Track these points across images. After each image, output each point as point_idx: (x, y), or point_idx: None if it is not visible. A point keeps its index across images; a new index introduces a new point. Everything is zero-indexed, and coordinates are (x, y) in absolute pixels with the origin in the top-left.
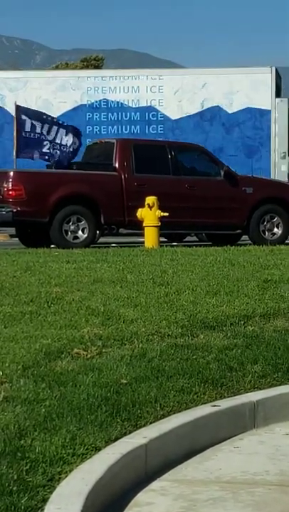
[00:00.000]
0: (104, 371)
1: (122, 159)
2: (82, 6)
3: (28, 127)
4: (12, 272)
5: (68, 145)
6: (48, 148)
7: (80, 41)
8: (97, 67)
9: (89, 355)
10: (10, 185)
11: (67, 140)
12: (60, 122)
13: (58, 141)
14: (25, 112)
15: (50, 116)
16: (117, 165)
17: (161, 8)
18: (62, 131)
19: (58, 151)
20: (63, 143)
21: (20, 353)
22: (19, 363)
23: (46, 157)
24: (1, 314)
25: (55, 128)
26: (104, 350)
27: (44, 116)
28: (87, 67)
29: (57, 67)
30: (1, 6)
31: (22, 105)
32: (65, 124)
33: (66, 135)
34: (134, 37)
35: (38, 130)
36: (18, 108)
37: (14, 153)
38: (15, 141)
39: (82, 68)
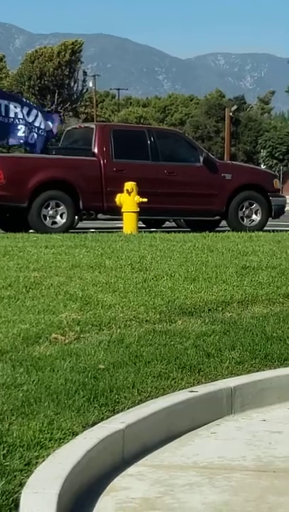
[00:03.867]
0: (82, 356)
1: (101, 144)
2: None
3: (3, 111)
4: None
5: (45, 129)
6: (24, 132)
7: (59, 25)
8: (75, 51)
9: (67, 341)
10: None
11: (45, 125)
12: (38, 107)
13: (36, 124)
14: (2, 95)
15: (28, 100)
16: (96, 150)
17: None
18: (40, 114)
19: (36, 134)
20: (41, 127)
21: None
22: None
23: (21, 141)
24: None
25: (34, 111)
26: (82, 336)
27: (25, 101)
28: (65, 51)
29: (36, 52)
30: None
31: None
32: (45, 110)
33: (45, 120)
34: (115, 22)
35: (14, 113)
36: None
37: None
38: None
39: (59, 52)
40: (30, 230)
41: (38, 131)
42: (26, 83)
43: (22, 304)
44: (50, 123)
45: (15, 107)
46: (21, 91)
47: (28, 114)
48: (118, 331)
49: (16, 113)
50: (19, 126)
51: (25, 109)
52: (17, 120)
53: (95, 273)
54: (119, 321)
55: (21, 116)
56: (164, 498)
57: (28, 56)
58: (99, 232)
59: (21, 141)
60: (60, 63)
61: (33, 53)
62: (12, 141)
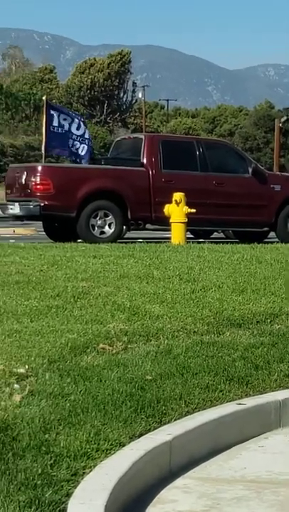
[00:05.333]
0: (130, 367)
1: (150, 155)
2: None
3: (56, 122)
4: (39, 266)
5: (90, 139)
6: (73, 144)
7: (108, 37)
8: (124, 62)
9: (114, 351)
10: (38, 180)
11: (89, 135)
12: (84, 120)
13: (86, 136)
14: (54, 107)
15: (77, 113)
16: (144, 160)
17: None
18: (85, 126)
19: (86, 146)
20: (89, 137)
21: (46, 347)
22: (45, 357)
23: (70, 151)
24: (27, 308)
25: (82, 124)
26: (129, 346)
27: (72, 113)
28: (115, 62)
29: (85, 63)
30: (31, 2)
31: (52, 101)
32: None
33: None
34: (163, 33)
35: (66, 126)
36: (47, 103)
37: (43, 148)
38: (44, 137)
39: (109, 63)
40: (79, 240)
41: (88, 142)
42: (76, 94)
43: (70, 313)
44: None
45: (64, 119)
46: (71, 101)
47: (78, 127)
48: (166, 341)
49: (64, 125)
50: (67, 138)
51: (75, 122)
52: (66, 132)
53: (143, 283)
54: (166, 332)
55: (68, 129)
56: (210, 511)
57: (78, 67)
58: (147, 242)
59: (70, 151)
60: (109, 74)
61: (83, 64)
62: (61, 152)
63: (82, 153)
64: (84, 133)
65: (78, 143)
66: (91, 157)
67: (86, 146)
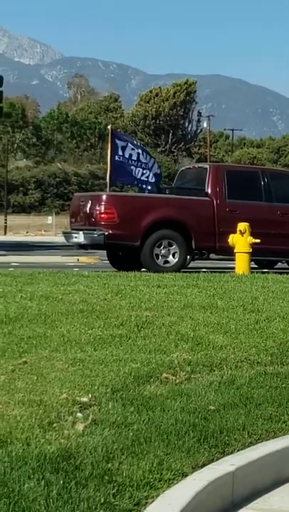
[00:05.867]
0: (193, 397)
1: (215, 185)
2: (179, 30)
3: (120, 151)
4: (103, 294)
5: (158, 173)
6: (137, 173)
7: (174, 66)
8: (189, 92)
9: (178, 380)
10: (102, 208)
11: (157, 168)
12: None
13: (150, 165)
14: (119, 136)
15: (141, 144)
16: (209, 190)
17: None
18: (152, 159)
19: (152, 175)
20: (156, 169)
21: (109, 376)
22: (108, 386)
23: (138, 183)
24: (91, 337)
25: (148, 156)
26: (192, 376)
27: (136, 143)
28: (180, 91)
29: (150, 92)
30: (94, 31)
31: (117, 130)
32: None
33: (154, 163)
34: (229, 62)
35: (135, 155)
36: (112, 132)
37: (108, 177)
38: (109, 166)
39: (175, 94)
40: (143, 269)
41: (155, 174)
42: (141, 123)
43: (133, 343)
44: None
45: (132, 149)
46: (136, 131)
47: (146, 157)
48: (229, 372)
49: (131, 154)
50: (132, 167)
51: (141, 151)
52: (131, 161)
53: (207, 313)
54: (230, 362)
55: (136, 158)
56: None
57: (143, 96)
58: (211, 272)
59: (136, 182)
60: (175, 103)
61: (148, 94)
62: (126, 181)
63: (151, 181)
64: (148, 162)
65: (148, 171)
66: (159, 185)
67: (152, 176)
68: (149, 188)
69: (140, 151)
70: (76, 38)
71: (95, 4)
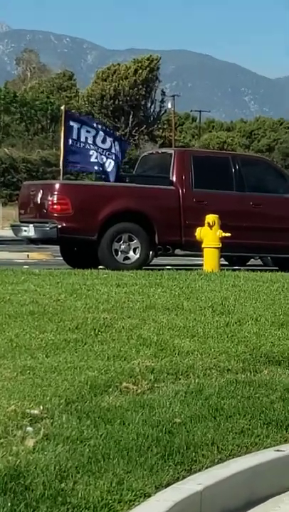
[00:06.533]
0: (156, 408)
1: (180, 172)
2: (141, 4)
3: (75, 135)
4: (56, 295)
5: (120, 157)
6: (96, 157)
7: (135, 41)
8: (152, 69)
9: (139, 390)
10: (55, 199)
11: (120, 151)
12: (112, 132)
13: (113, 150)
14: (73, 118)
15: (101, 124)
16: (174, 178)
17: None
18: (116, 142)
19: (112, 161)
20: (118, 154)
21: (63, 386)
22: (62, 397)
23: (95, 168)
24: (43, 342)
25: (109, 137)
26: (156, 385)
27: (95, 124)
28: (141, 68)
29: (108, 69)
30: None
31: (71, 111)
32: (118, 136)
33: (119, 147)
34: (195, 37)
35: (90, 139)
36: (66, 113)
37: (61, 164)
38: (62, 151)
39: (136, 71)
40: (100, 266)
41: (115, 158)
42: (98, 103)
43: (90, 348)
44: (119, 149)
45: (87, 131)
46: (92, 112)
47: (104, 140)
48: (196, 380)
49: (86, 137)
50: (91, 152)
51: (100, 135)
52: (88, 145)
53: (172, 315)
54: (197, 370)
55: (92, 141)
56: None
57: (100, 74)
58: (176, 269)
59: (95, 167)
60: (136, 82)
61: (106, 71)
62: (83, 168)
63: (109, 169)
64: (110, 147)
65: (104, 157)
66: (119, 174)
67: (113, 162)
68: (105, 178)
69: (101, 135)
70: (25, 8)
71: None
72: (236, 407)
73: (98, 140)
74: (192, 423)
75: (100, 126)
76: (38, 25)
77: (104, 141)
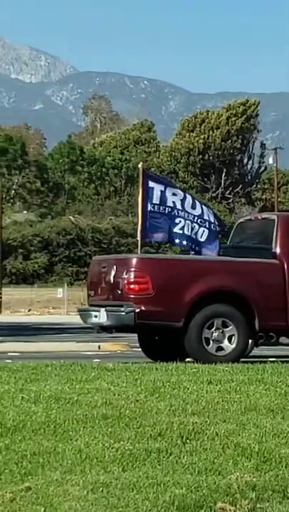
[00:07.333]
0: None
1: (286, 242)
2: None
3: (156, 198)
4: (134, 394)
5: (216, 223)
6: (184, 227)
7: (227, 83)
8: (248, 117)
9: None
10: (132, 276)
11: (213, 218)
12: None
13: (206, 217)
14: (153, 178)
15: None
16: (277, 250)
17: None
18: (204, 207)
19: (206, 230)
20: (212, 220)
21: (143, 507)
22: None
23: (184, 241)
24: (118, 453)
25: (197, 203)
26: (259, 506)
27: (178, 186)
28: (234, 116)
29: (195, 117)
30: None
31: (150, 170)
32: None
33: (209, 212)
34: None
35: (178, 203)
36: (144, 173)
37: (139, 234)
38: (140, 218)
39: (228, 119)
40: (188, 359)
41: (210, 225)
42: (183, 160)
43: (176, 460)
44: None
45: (174, 194)
46: (176, 170)
47: (194, 206)
48: None
49: (174, 202)
50: (177, 220)
51: (188, 199)
52: (176, 211)
53: (277, 419)
54: None
55: (180, 207)
56: None
57: (185, 123)
58: (281, 361)
59: (184, 241)
60: (229, 132)
61: (193, 119)
62: (166, 239)
63: (202, 239)
64: (202, 213)
65: (197, 225)
66: (218, 246)
67: (207, 231)
68: (198, 250)
69: (188, 200)
70: (94, 47)
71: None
72: None
73: (187, 205)
74: None
75: (182, 190)
76: (110, 67)
77: (194, 206)
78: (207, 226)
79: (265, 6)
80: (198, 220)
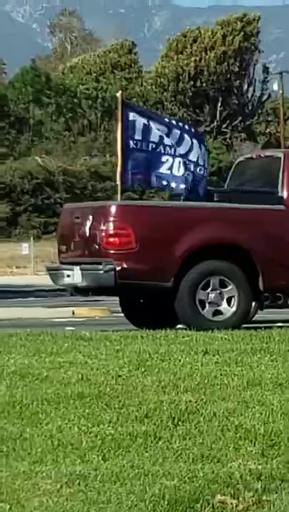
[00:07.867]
0: None
1: None
2: None
3: (138, 133)
4: (116, 369)
5: (206, 165)
6: (169, 168)
7: None
8: (248, 35)
9: (241, 506)
10: (111, 228)
11: (204, 157)
12: (191, 129)
13: (192, 158)
14: (135, 109)
15: (177, 121)
16: (285, 194)
17: None
18: (195, 142)
19: (191, 174)
20: (200, 162)
21: (128, 502)
22: None
23: (173, 183)
24: (97, 438)
25: (187, 138)
26: (265, 498)
27: (167, 120)
28: (231, 34)
29: (185, 36)
30: None
31: (131, 100)
32: (195, 132)
33: (200, 149)
34: None
35: (165, 139)
36: (124, 104)
37: (118, 176)
38: (119, 158)
39: (224, 37)
40: (179, 326)
41: (196, 168)
42: (171, 87)
43: (167, 446)
44: (204, 150)
45: (158, 129)
46: (162, 100)
47: (180, 142)
48: None
49: (161, 137)
50: (164, 158)
51: (175, 133)
52: (162, 148)
53: (286, 395)
54: None
55: (169, 143)
56: None
57: (173, 43)
58: None
59: (172, 183)
60: (225, 54)
61: (182, 38)
62: (152, 181)
63: (190, 183)
64: (188, 152)
65: (181, 165)
66: (205, 190)
67: (191, 174)
68: (186, 194)
69: (175, 135)
70: None
71: None
72: None
73: (171, 141)
74: None
75: (172, 122)
76: None
77: (179, 142)
78: (192, 169)
79: None
80: (183, 161)
